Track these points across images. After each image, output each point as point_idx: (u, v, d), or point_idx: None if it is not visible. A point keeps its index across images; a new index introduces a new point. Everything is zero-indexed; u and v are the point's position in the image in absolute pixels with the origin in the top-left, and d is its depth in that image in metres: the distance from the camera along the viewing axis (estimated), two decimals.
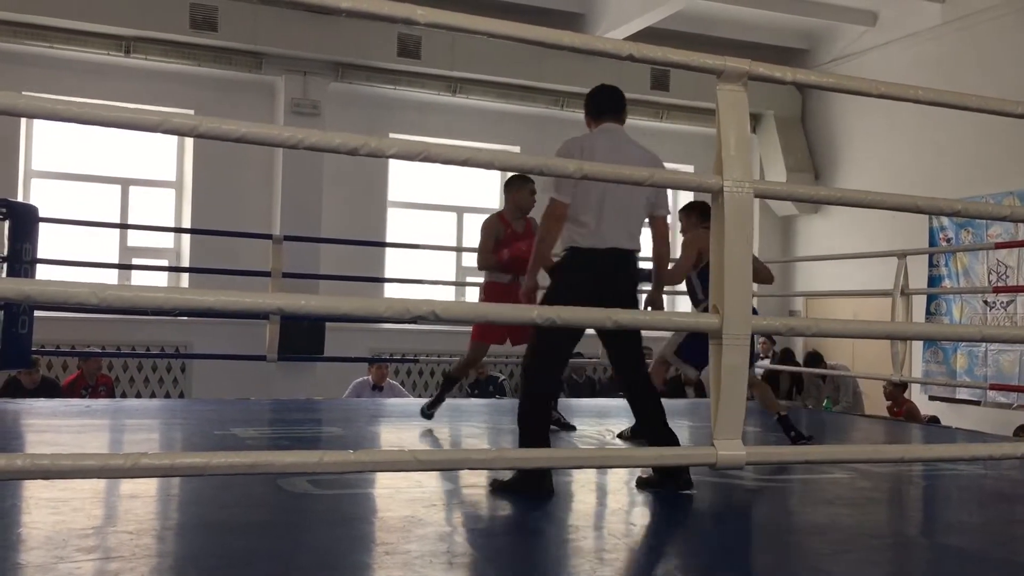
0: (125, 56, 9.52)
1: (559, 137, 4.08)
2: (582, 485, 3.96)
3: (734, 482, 4.11)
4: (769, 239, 12.08)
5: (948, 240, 10.06)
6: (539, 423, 3.74)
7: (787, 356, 10.40)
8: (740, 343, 2.39)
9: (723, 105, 2.42)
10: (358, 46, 10.14)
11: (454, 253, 10.89)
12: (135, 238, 10.03)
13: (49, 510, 3.09)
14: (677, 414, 6.65)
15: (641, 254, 3.91)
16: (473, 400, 8.45)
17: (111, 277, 8.77)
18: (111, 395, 8.60)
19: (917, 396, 9.80)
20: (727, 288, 2.39)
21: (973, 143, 9.56)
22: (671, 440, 3.76)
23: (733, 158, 2.41)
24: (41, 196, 9.45)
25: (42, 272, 6.52)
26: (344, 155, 2.19)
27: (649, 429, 3.88)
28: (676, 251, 11.54)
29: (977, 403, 9.63)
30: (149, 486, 3.52)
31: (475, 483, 3.84)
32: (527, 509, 3.48)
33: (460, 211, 11.31)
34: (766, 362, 9.86)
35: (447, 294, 10.63)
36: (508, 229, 5.52)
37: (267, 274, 6.83)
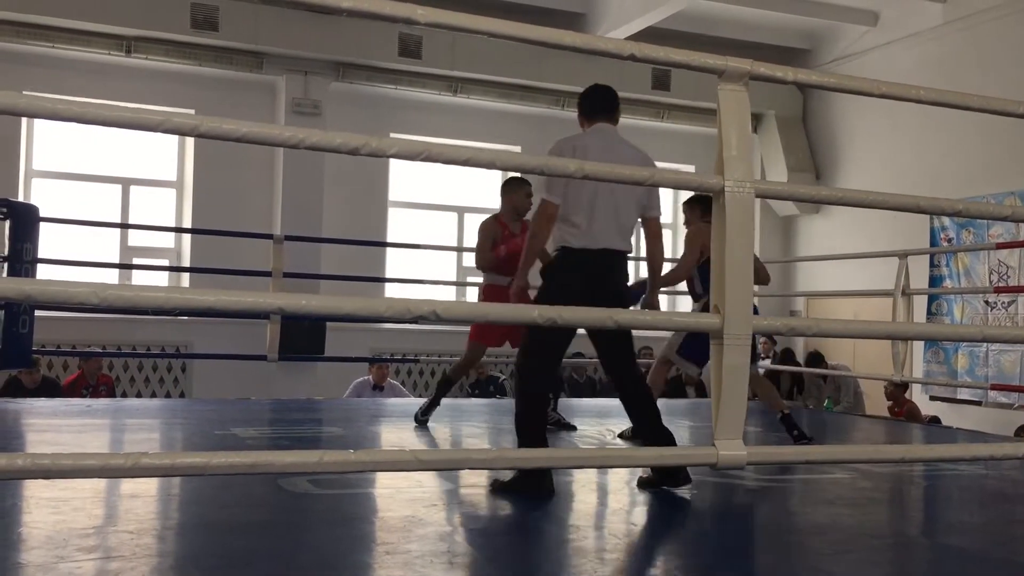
0: (126, 56, 9.53)
1: (560, 137, 4.07)
2: (583, 485, 3.96)
3: (735, 482, 4.11)
4: (770, 239, 12.08)
5: (949, 240, 10.06)
6: (536, 423, 3.73)
7: (788, 356, 10.40)
8: (741, 343, 2.39)
9: (724, 105, 2.42)
10: (359, 46, 10.14)
11: (455, 253, 10.89)
12: (136, 238, 10.03)
13: (50, 509, 3.09)
14: (678, 414, 6.66)
15: (636, 255, 3.90)
16: (473, 400, 8.45)
17: (112, 277, 8.76)
18: (112, 395, 8.60)
19: (918, 396, 9.80)
20: (728, 288, 2.39)
21: (974, 143, 9.56)
22: (666, 438, 3.76)
23: (734, 158, 2.40)
24: (42, 196, 9.45)
25: (43, 272, 6.52)
26: (345, 155, 2.19)
27: (643, 428, 3.87)
28: (668, 252, 11.66)
29: (978, 403, 9.63)
30: (150, 486, 3.51)
31: (475, 483, 3.84)
32: (528, 509, 3.48)
33: (461, 211, 11.31)
34: (767, 362, 9.85)
35: (448, 294, 10.64)
36: (505, 231, 5.52)
37: (268, 274, 6.83)
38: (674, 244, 12.13)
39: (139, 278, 9.38)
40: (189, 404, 7.55)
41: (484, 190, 11.29)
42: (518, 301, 3.97)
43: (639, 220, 3.95)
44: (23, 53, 9.26)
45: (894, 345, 6.94)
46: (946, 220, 9.97)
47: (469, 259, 10.33)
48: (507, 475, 3.68)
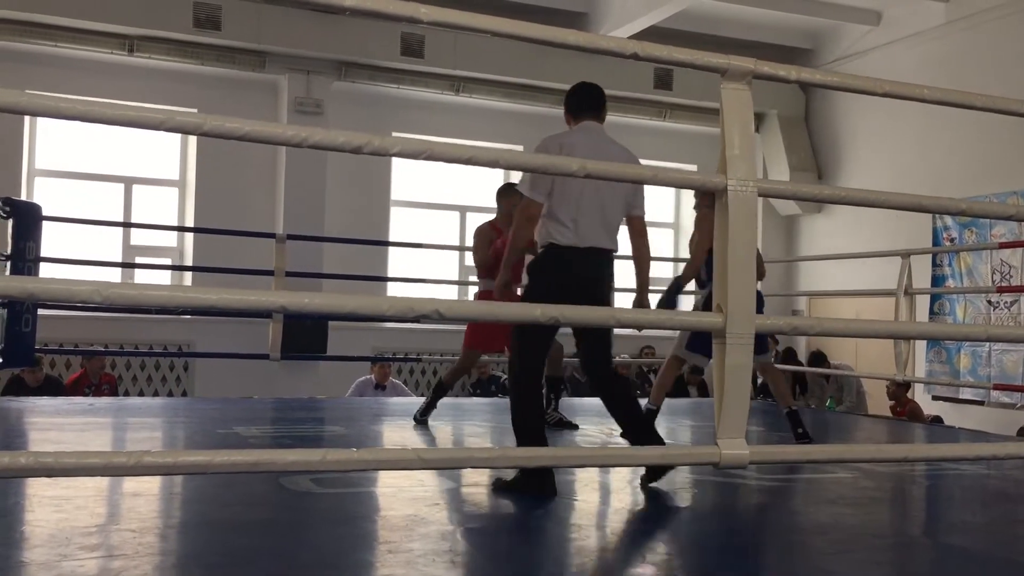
0: (129, 55, 9.54)
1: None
2: (584, 484, 3.96)
3: (737, 481, 4.11)
4: (772, 238, 12.07)
5: (952, 240, 10.05)
6: (532, 421, 3.71)
7: (790, 356, 10.39)
8: (744, 342, 2.38)
9: (727, 104, 2.42)
10: (361, 45, 10.14)
11: (457, 252, 10.88)
12: (138, 237, 10.03)
13: (52, 508, 3.09)
14: (680, 413, 6.66)
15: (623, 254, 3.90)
16: (475, 399, 8.45)
17: (114, 275, 8.77)
18: (114, 393, 8.61)
19: (920, 396, 9.79)
20: (731, 287, 2.38)
21: (977, 142, 9.55)
22: (648, 433, 3.78)
23: (737, 157, 2.40)
24: (44, 194, 9.47)
25: (45, 270, 6.53)
26: (347, 154, 2.19)
27: (622, 424, 3.87)
28: (669, 251, 11.66)
29: (981, 403, 9.62)
30: (152, 484, 3.52)
31: (477, 482, 3.84)
32: (529, 508, 3.48)
33: (463, 210, 11.31)
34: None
35: (450, 293, 10.63)
36: (500, 237, 5.52)
37: (270, 273, 6.83)
38: (674, 244, 12.15)
39: (141, 277, 9.38)
40: (191, 403, 7.55)
41: (486, 189, 11.25)
42: (503, 298, 3.97)
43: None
44: (26, 52, 9.27)
45: (896, 345, 6.93)
46: (948, 219, 9.96)
47: (471, 259, 10.33)
48: (509, 474, 3.68)
